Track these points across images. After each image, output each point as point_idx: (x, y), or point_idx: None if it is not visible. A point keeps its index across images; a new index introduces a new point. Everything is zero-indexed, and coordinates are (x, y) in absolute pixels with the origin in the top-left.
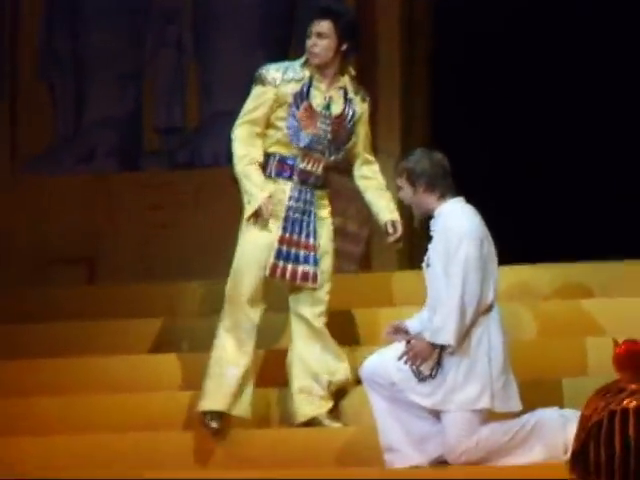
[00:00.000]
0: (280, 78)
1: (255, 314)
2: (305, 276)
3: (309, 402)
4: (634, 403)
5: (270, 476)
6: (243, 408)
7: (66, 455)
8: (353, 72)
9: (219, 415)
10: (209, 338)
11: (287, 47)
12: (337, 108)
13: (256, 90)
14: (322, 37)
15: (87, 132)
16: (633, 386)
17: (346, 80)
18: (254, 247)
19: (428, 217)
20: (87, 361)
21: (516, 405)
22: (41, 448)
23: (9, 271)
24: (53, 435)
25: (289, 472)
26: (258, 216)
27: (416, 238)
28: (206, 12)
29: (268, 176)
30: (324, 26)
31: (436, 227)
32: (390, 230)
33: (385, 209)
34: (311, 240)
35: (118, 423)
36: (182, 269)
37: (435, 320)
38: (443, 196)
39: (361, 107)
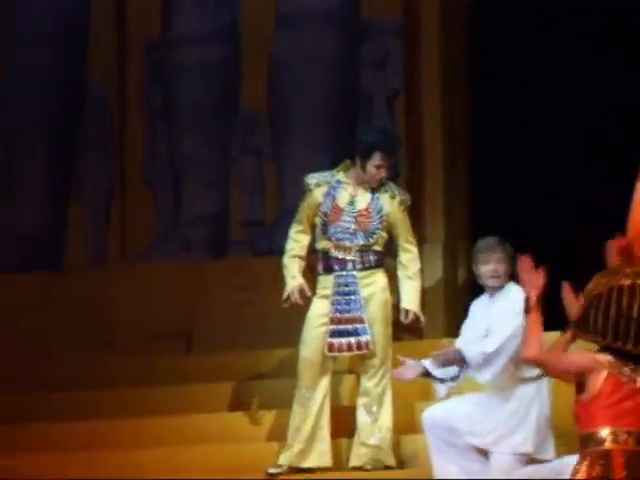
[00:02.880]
0: (314, 184)
1: (318, 384)
2: (359, 345)
3: (358, 453)
4: (628, 282)
5: None
6: (314, 460)
7: None
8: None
9: (287, 468)
10: (287, 397)
11: (352, 148)
12: (361, 204)
13: (304, 195)
14: (384, 168)
15: (183, 227)
16: (627, 269)
17: None
18: (312, 328)
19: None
20: (183, 419)
21: (552, 454)
22: None
23: (121, 344)
24: None
25: None
26: (290, 300)
27: (460, 312)
28: (280, 121)
29: (319, 273)
30: (388, 159)
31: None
32: (402, 316)
33: (406, 298)
34: (358, 313)
35: (209, 471)
36: (264, 340)
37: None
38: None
39: (390, 203)
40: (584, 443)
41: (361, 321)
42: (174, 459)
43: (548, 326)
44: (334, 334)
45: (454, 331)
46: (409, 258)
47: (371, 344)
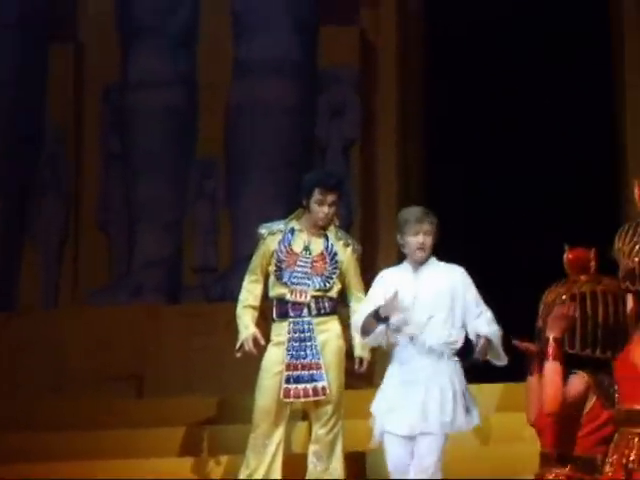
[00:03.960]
0: (268, 232)
1: (274, 432)
2: (315, 391)
3: None
4: (589, 288)
5: None
6: None
7: None
8: (337, 222)
9: None
10: (241, 444)
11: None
12: (317, 249)
13: (257, 245)
14: (333, 205)
15: (137, 271)
16: (583, 278)
17: (331, 229)
18: (268, 377)
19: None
20: (134, 463)
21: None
22: None
23: (71, 386)
24: None
25: None
26: (243, 349)
27: None
28: (236, 168)
29: (273, 320)
30: (335, 196)
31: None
32: (357, 365)
33: (359, 346)
34: (315, 360)
35: None
36: (217, 386)
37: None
38: None
39: (344, 251)
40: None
41: (317, 367)
42: None
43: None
44: (290, 380)
45: None
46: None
47: (327, 390)
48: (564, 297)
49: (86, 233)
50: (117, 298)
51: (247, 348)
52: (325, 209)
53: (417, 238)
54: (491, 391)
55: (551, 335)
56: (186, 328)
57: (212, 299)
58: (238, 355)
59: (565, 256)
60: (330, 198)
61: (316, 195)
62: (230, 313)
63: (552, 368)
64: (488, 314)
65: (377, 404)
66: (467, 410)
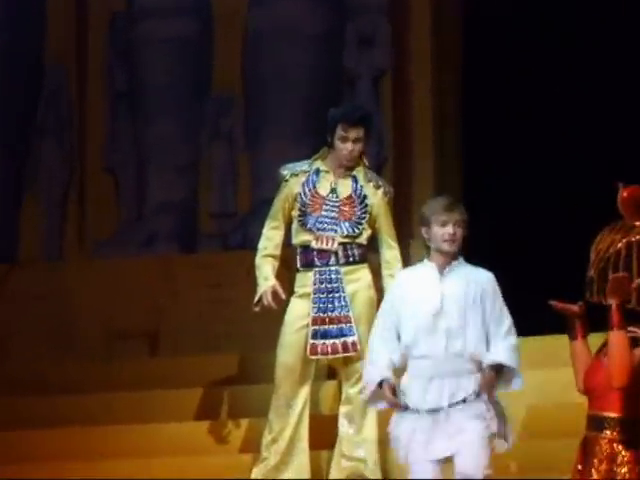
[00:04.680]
0: (290, 174)
1: (298, 392)
2: (345, 347)
3: (340, 466)
4: None
5: None
6: (291, 475)
7: None
8: (366, 162)
9: None
10: (263, 406)
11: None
12: (344, 192)
13: (279, 188)
14: (358, 142)
15: (148, 218)
16: (639, 223)
17: (359, 169)
18: (291, 331)
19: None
20: (149, 427)
21: None
22: None
23: (80, 345)
24: None
25: None
26: (262, 303)
27: None
28: (255, 105)
29: (297, 270)
30: (360, 132)
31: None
32: None
33: None
34: (344, 312)
35: None
36: (237, 342)
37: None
38: None
39: (374, 194)
40: None
41: (347, 321)
42: (137, 473)
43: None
44: (317, 335)
45: None
46: (392, 255)
47: (358, 345)
48: (619, 245)
49: (92, 179)
50: (127, 248)
51: (266, 302)
52: (349, 146)
53: (446, 229)
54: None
55: (613, 302)
56: (203, 280)
57: (231, 247)
58: (256, 309)
59: (619, 195)
60: (354, 134)
61: (339, 131)
62: (251, 262)
63: (617, 338)
64: (511, 340)
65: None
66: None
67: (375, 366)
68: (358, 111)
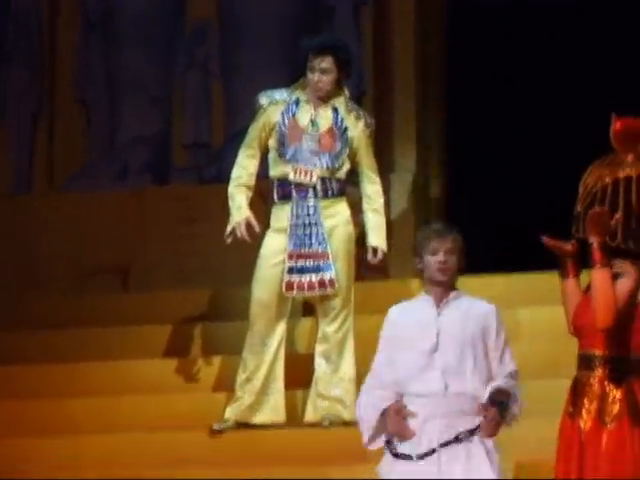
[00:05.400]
0: (269, 102)
1: (273, 329)
2: (322, 283)
3: (316, 406)
4: (636, 171)
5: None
6: (266, 415)
7: (96, 455)
8: (347, 93)
9: (234, 423)
10: (237, 343)
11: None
12: (325, 124)
13: (256, 115)
14: (326, 72)
15: (120, 150)
16: (630, 158)
17: (340, 100)
18: (267, 267)
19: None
20: (120, 364)
21: None
22: (71, 449)
23: (49, 282)
24: (83, 435)
25: (319, 471)
26: (234, 235)
27: None
28: (231, 33)
29: (273, 203)
30: (328, 62)
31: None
32: (370, 255)
33: (374, 234)
34: (321, 248)
35: (146, 423)
36: (210, 278)
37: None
38: None
39: (355, 125)
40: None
41: (324, 256)
42: (108, 410)
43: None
44: (292, 271)
45: None
46: (375, 190)
47: (336, 282)
48: (607, 180)
49: (62, 109)
50: (98, 181)
51: (239, 234)
52: (316, 76)
53: (437, 257)
54: (520, 281)
55: (594, 240)
56: (176, 213)
57: (205, 180)
58: (228, 241)
59: (612, 127)
60: (323, 64)
61: (309, 61)
62: (225, 195)
63: (601, 277)
64: (512, 366)
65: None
66: None
67: (371, 396)
68: (326, 40)
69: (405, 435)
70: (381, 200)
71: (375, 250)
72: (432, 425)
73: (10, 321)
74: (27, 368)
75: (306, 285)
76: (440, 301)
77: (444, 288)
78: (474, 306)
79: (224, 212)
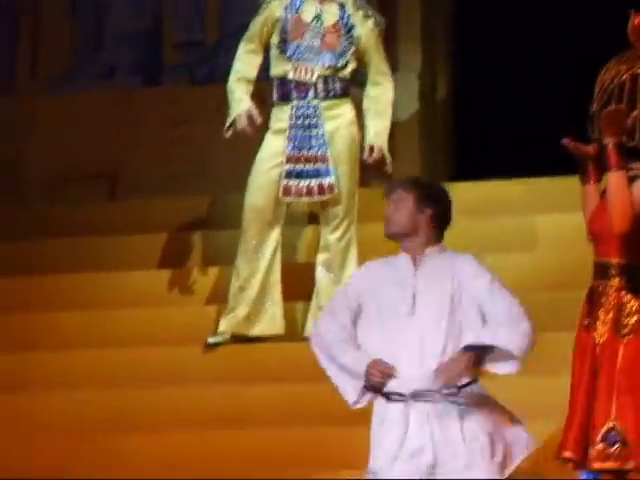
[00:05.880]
0: None
1: (268, 235)
2: (321, 188)
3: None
4: None
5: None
6: (263, 327)
7: (87, 370)
8: None
9: (229, 336)
10: (234, 253)
11: None
12: (330, 19)
13: (259, 9)
14: None
15: (108, 49)
16: None
17: None
18: (263, 170)
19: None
20: (109, 276)
21: None
22: (62, 363)
23: (32, 189)
24: (74, 349)
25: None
26: (234, 129)
27: (439, 152)
28: None
29: (273, 103)
30: None
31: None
32: (366, 154)
33: (372, 132)
34: (321, 151)
35: (139, 337)
36: (203, 184)
37: None
38: None
39: (363, 23)
40: None
41: (324, 160)
42: (100, 324)
43: None
44: (291, 175)
45: (430, 176)
46: (380, 91)
47: (335, 188)
48: (624, 77)
49: (47, 5)
50: (84, 82)
51: (239, 127)
52: None
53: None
54: (538, 187)
55: (610, 141)
56: (167, 116)
57: (198, 81)
58: (227, 135)
59: (630, 22)
60: None
61: None
62: (219, 97)
63: (616, 180)
64: (525, 325)
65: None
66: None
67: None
68: None
69: (390, 373)
70: (386, 103)
71: (372, 148)
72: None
73: None
74: (14, 281)
75: (304, 190)
76: (415, 258)
77: (412, 245)
78: (452, 260)
79: (218, 114)
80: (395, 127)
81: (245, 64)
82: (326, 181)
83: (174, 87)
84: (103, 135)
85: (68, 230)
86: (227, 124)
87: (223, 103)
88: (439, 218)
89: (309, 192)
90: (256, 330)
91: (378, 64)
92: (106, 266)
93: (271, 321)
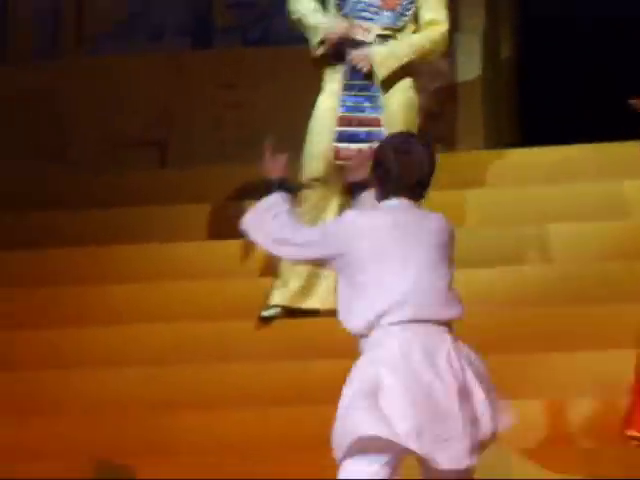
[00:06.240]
0: None
1: (327, 204)
2: None
3: None
4: None
5: None
6: (316, 299)
7: (139, 345)
8: None
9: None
10: None
11: None
12: None
13: None
14: None
15: (156, 9)
16: None
17: None
18: (317, 135)
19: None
20: (160, 247)
21: None
22: (114, 338)
23: (79, 156)
24: (125, 324)
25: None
26: (325, 45)
27: (503, 117)
28: None
29: (327, 64)
30: None
31: None
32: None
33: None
34: (374, 114)
35: (192, 311)
36: (257, 151)
37: None
38: None
39: None
40: None
41: (377, 124)
42: (145, 297)
43: None
44: (342, 138)
45: (494, 141)
46: (431, 30)
47: None
48: None
49: None
50: (132, 43)
51: (334, 38)
52: None
53: None
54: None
55: None
56: (219, 80)
57: (250, 42)
58: (319, 53)
59: None
60: None
61: None
62: (273, 59)
63: None
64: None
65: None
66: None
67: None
68: None
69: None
70: (428, 39)
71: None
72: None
73: (36, 197)
74: (63, 251)
75: (355, 154)
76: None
77: None
78: None
79: (271, 77)
80: (457, 89)
81: (307, 9)
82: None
83: (226, 49)
84: (151, 99)
85: (117, 199)
86: (315, 45)
87: (276, 66)
88: None
89: None
90: (310, 303)
91: (434, 10)
92: (157, 237)
93: (326, 294)
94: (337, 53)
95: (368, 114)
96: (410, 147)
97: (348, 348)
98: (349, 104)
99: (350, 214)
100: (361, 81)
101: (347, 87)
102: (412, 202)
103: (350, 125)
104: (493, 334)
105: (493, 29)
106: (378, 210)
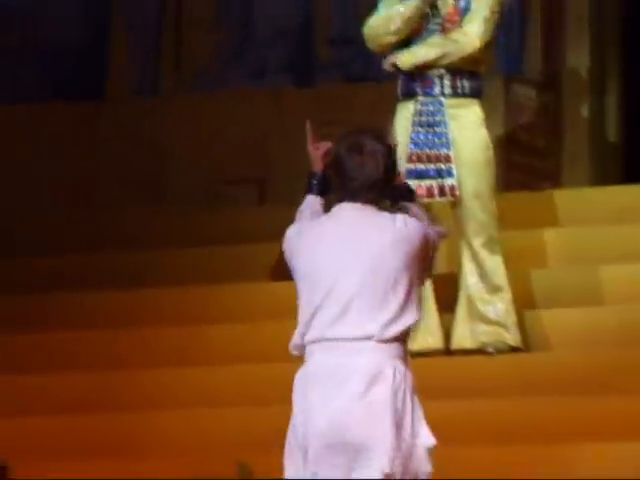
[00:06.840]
0: None
1: None
2: (442, 190)
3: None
4: None
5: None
6: (422, 340)
7: (235, 387)
8: None
9: None
10: None
11: None
12: (446, 7)
13: None
14: None
15: (256, 45)
16: None
17: None
18: None
19: None
20: (259, 287)
21: None
22: (209, 379)
23: (176, 193)
24: (221, 365)
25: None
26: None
27: (609, 152)
28: None
29: (397, 99)
30: None
31: None
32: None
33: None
34: (444, 151)
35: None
36: None
37: None
38: None
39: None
40: None
41: (447, 160)
42: (246, 338)
43: None
44: (411, 175)
45: (599, 177)
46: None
47: (457, 190)
48: None
49: (189, 1)
50: (232, 80)
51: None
52: None
53: None
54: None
55: None
56: (319, 115)
57: (351, 79)
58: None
59: None
60: None
61: None
62: (373, 95)
63: None
64: None
65: None
66: None
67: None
68: None
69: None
70: (469, 44)
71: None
72: None
73: (132, 237)
74: (152, 290)
75: (425, 191)
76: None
77: None
78: None
79: (372, 113)
80: (562, 123)
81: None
82: (448, 182)
83: (327, 86)
84: (252, 136)
85: (214, 237)
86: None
87: (376, 101)
88: None
89: (430, 194)
90: (414, 345)
91: (475, 15)
92: (253, 275)
93: (426, 335)
94: (408, 90)
95: (437, 150)
96: (364, 146)
97: (451, 388)
98: (418, 141)
99: (289, 231)
100: (430, 117)
101: (416, 123)
102: (366, 206)
103: (419, 161)
104: (592, 375)
105: (598, 66)
106: (322, 218)
